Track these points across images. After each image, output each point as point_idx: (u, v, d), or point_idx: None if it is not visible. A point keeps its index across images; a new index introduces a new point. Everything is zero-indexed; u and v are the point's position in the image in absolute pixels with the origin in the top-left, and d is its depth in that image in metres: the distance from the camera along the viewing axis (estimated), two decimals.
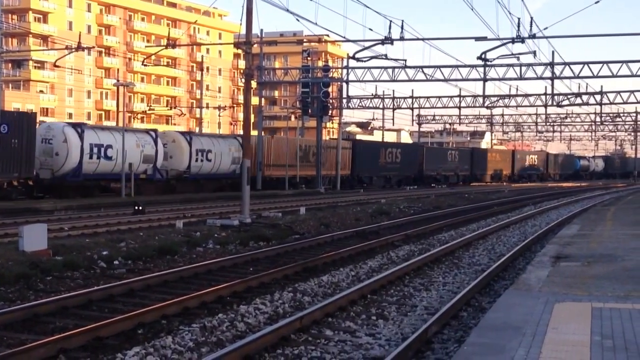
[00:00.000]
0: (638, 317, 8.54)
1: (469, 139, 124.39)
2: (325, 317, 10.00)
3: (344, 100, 53.61)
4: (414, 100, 56.61)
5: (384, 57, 33.49)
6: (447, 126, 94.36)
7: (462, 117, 75.23)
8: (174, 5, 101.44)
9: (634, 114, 74.95)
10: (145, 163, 36.38)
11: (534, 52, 33.77)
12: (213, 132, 77.25)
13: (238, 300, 11.17)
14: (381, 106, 58.09)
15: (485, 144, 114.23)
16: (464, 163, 74.42)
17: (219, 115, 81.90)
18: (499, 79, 41.52)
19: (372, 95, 55.47)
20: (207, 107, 79.71)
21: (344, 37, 31.36)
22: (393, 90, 63.91)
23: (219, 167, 41.51)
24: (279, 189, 44.95)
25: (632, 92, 49.88)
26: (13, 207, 27.02)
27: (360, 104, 55.26)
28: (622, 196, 48.92)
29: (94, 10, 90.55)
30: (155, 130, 38.17)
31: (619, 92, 50.72)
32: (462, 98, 53.73)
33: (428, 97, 55.75)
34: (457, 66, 41.03)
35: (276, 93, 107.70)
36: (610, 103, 52.42)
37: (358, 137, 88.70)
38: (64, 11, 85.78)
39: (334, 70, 56.33)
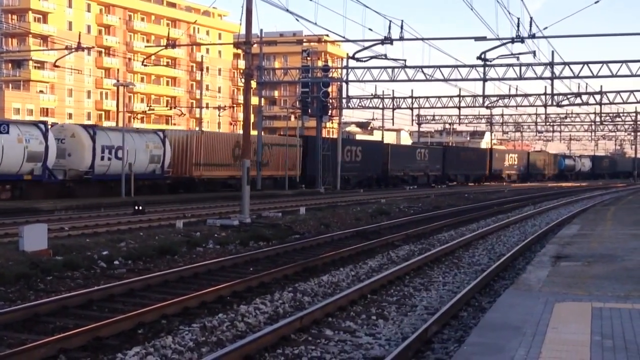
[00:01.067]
0: (638, 317, 8.55)
1: (468, 139, 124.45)
2: (326, 317, 10.00)
3: (344, 100, 53.65)
4: (414, 100, 56.67)
5: (383, 57, 33.51)
6: (447, 126, 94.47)
7: (461, 117, 75.45)
8: (173, 5, 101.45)
9: (634, 114, 75.04)
10: (30, 162, 30.77)
11: (534, 52, 33.82)
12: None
13: (238, 300, 11.17)
14: (381, 106, 58.15)
15: (485, 144, 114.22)
16: (435, 162, 68.30)
17: (219, 116, 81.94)
18: (499, 79, 41.58)
19: (372, 95, 55.54)
20: (207, 107, 79.74)
21: (344, 37, 31.45)
22: (393, 90, 63.91)
23: (133, 167, 35.22)
24: (214, 190, 39.98)
25: (631, 92, 49.95)
26: (13, 207, 27.03)
27: (360, 104, 55.34)
28: (622, 196, 48.94)
29: (94, 10, 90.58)
30: (45, 123, 32.82)
31: (618, 92, 50.78)
32: (461, 98, 53.78)
33: (428, 97, 55.82)
34: (456, 66, 41.09)
35: (276, 93, 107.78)
36: (610, 103, 52.47)
37: (358, 137, 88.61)
38: (63, 11, 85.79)
39: (333, 70, 56.38)
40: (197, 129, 64.56)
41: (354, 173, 56.03)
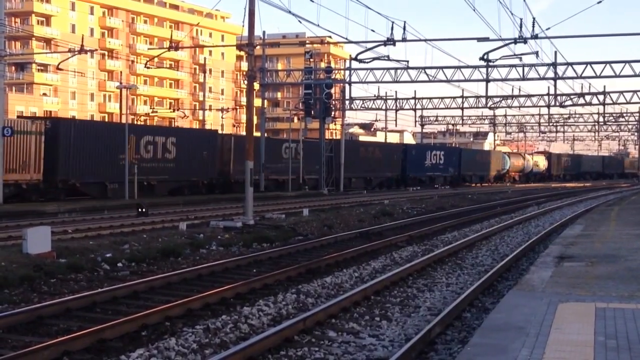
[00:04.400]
0: None
1: (472, 139, 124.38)
2: (329, 319, 10.00)
3: (347, 102, 53.65)
4: (417, 101, 56.64)
5: (386, 58, 33.53)
6: (450, 127, 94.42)
7: (464, 117, 75.41)
8: (176, 7, 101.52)
9: (637, 114, 74.91)
10: None
11: (537, 53, 33.83)
12: None
13: (241, 301, 11.18)
14: (384, 107, 58.13)
15: (488, 144, 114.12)
16: (314, 162, 49.26)
17: (222, 117, 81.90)
18: (502, 80, 41.54)
19: (375, 96, 55.52)
20: (210, 109, 79.71)
21: (346, 39, 31.38)
22: (396, 92, 63.96)
23: None
24: None
25: (635, 92, 49.86)
26: (17, 209, 27.06)
27: (362, 105, 55.33)
28: (625, 196, 48.95)
29: (97, 13, 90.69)
30: None
31: (621, 92, 50.72)
32: (464, 99, 53.79)
33: (431, 98, 55.77)
34: (459, 67, 41.06)
35: (279, 95, 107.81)
36: (613, 103, 52.40)
37: (361, 138, 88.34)
38: (67, 14, 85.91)
39: (336, 71, 56.38)
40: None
41: (165, 177, 37.77)
